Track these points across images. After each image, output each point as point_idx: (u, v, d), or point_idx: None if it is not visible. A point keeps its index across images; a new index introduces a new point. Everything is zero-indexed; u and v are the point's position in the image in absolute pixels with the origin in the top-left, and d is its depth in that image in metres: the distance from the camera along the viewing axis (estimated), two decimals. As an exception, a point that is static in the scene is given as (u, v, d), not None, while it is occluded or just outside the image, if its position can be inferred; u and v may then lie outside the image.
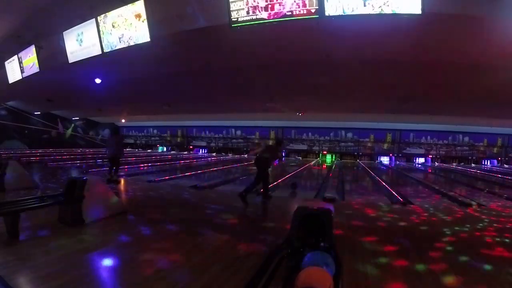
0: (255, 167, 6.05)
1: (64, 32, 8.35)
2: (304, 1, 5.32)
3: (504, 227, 4.40)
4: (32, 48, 9.70)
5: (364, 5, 5.07)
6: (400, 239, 3.73)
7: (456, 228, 4.31)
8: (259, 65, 8.31)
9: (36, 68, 10.00)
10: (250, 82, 10.35)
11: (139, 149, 26.29)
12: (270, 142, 20.75)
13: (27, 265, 2.68)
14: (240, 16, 5.72)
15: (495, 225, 4.51)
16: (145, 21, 6.70)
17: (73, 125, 23.36)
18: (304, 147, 23.44)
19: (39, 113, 20.60)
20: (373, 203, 6.33)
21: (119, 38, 7.29)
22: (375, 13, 5.07)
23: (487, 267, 2.92)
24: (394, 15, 5.02)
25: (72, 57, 8.52)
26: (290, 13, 5.45)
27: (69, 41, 8.40)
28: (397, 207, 5.84)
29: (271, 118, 19.88)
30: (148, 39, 6.81)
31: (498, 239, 3.82)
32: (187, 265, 2.81)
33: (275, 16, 5.54)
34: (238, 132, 24.73)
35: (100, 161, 13.80)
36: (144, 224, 4.14)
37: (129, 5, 6.81)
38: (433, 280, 2.63)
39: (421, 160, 21.85)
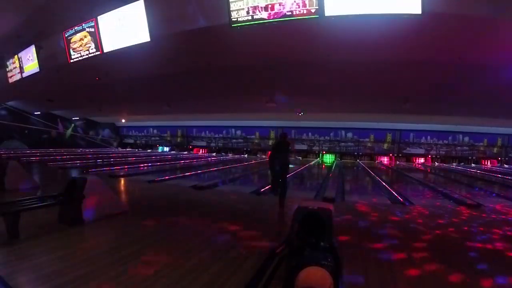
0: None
1: (64, 32, 8.34)
2: (304, 1, 5.31)
3: None
4: (32, 48, 9.69)
5: (364, 5, 5.07)
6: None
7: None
8: (259, 65, 8.29)
9: (36, 68, 10.00)
10: (250, 82, 10.34)
11: (139, 149, 26.27)
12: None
13: (27, 265, 2.68)
14: (240, 16, 5.72)
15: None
16: (145, 21, 6.69)
17: (73, 125, 23.33)
18: (304, 147, 23.43)
19: (39, 113, 20.58)
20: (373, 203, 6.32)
21: (119, 38, 7.28)
22: (375, 13, 5.07)
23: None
24: (394, 15, 5.02)
25: (72, 57, 8.51)
26: (290, 13, 5.44)
27: (69, 40, 8.39)
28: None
29: (271, 118, 19.86)
30: (148, 39, 6.80)
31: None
32: (187, 265, 2.81)
33: (275, 16, 5.53)
34: (238, 132, 24.72)
35: (100, 161, 13.80)
36: (143, 224, 4.14)
37: (129, 5, 6.80)
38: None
39: (421, 160, 21.83)
